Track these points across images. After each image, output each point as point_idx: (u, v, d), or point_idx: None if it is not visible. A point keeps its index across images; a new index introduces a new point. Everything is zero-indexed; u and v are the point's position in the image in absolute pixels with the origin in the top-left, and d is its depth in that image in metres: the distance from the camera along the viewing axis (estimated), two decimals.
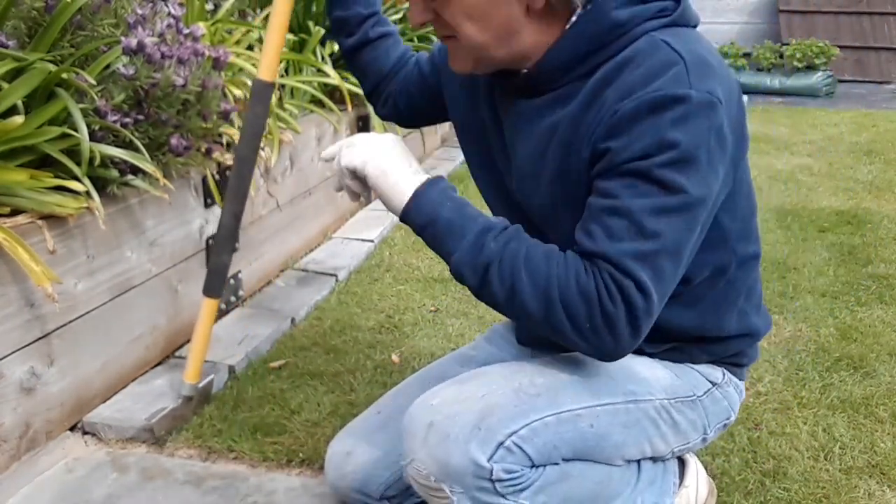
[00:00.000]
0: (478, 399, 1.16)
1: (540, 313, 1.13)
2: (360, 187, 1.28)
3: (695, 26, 1.25)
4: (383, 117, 1.66)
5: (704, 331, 1.34)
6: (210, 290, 1.84)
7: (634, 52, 1.15)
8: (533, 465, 1.17)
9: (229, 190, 1.78)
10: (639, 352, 1.31)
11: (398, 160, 1.23)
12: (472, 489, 1.15)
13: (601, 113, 1.15)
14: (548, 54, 1.20)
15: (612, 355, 1.15)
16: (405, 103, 1.58)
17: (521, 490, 1.16)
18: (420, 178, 1.22)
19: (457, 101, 1.43)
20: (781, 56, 7.31)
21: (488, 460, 1.13)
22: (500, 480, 1.14)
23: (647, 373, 1.31)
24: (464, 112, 1.41)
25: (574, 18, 1.18)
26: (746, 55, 7.52)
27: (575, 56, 1.19)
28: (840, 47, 7.39)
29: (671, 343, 1.34)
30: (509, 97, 1.29)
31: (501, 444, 1.14)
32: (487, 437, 1.14)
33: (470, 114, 1.40)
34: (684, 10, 1.22)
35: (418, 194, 1.20)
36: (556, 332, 1.14)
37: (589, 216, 1.15)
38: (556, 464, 1.19)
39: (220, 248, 1.82)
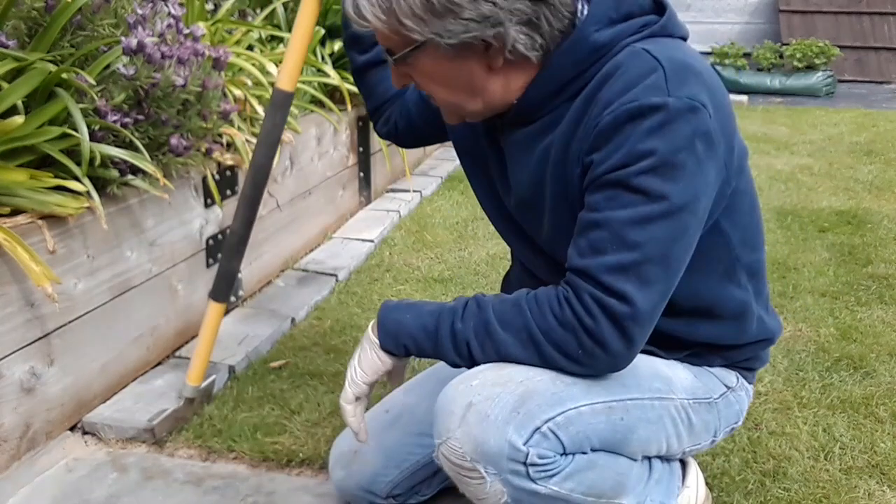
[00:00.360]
0: (517, 383, 1.16)
1: (535, 359, 1.17)
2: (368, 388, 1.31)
3: (683, 38, 1.24)
4: (383, 136, 1.67)
5: (725, 339, 1.35)
6: (217, 294, 1.84)
7: (615, 65, 1.16)
8: (564, 453, 1.18)
9: (242, 197, 1.77)
10: (657, 356, 1.33)
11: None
12: (506, 471, 1.15)
13: (587, 128, 1.16)
14: (531, 86, 1.21)
15: (613, 369, 1.18)
16: (404, 124, 1.59)
17: (552, 476, 1.17)
18: (370, 325, 1.30)
19: (455, 127, 1.44)
20: (781, 56, 7.31)
21: (524, 444, 1.14)
22: (534, 465, 1.15)
23: (669, 372, 1.32)
24: (462, 139, 1.42)
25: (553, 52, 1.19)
26: (746, 55, 7.52)
27: (559, 84, 1.20)
28: (840, 47, 7.39)
29: (690, 350, 1.35)
30: (504, 127, 1.30)
31: (538, 429, 1.15)
32: (525, 421, 1.14)
33: (468, 141, 1.41)
34: (668, 21, 1.21)
35: (379, 319, 1.27)
36: (556, 368, 1.18)
37: (577, 230, 1.17)
38: (585, 453, 1.20)
39: (230, 254, 1.82)
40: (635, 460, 1.28)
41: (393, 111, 1.61)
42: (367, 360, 1.28)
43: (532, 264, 1.40)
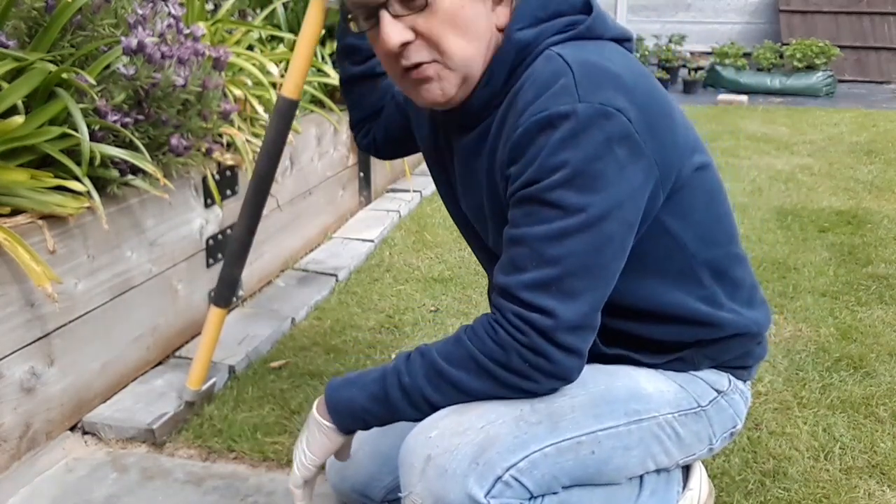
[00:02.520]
0: (477, 430, 1.14)
1: (492, 386, 1.15)
2: (315, 470, 1.30)
3: (619, 40, 1.21)
4: (363, 148, 1.66)
5: (697, 336, 1.31)
6: (219, 300, 1.84)
7: (532, 71, 1.14)
8: (532, 497, 1.16)
9: (245, 204, 1.77)
10: (642, 364, 1.31)
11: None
12: None
13: (506, 138, 1.14)
14: (480, 88, 1.19)
15: (565, 377, 1.16)
16: (382, 135, 1.58)
17: None
18: (313, 406, 1.28)
19: (421, 131, 1.43)
20: (781, 56, 7.32)
21: (486, 496, 1.12)
22: None
23: (651, 387, 1.29)
24: (427, 143, 1.41)
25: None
26: (747, 55, 7.53)
27: (495, 86, 1.18)
28: (840, 47, 7.40)
29: (671, 355, 1.32)
30: (454, 133, 1.29)
31: (499, 478, 1.13)
32: (485, 471, 1.12)
33: (431, 145, 1.39)
34: (594, 22, 1.18)
35: (328, 403, 1.24)
36: (513, 390, 1.15)
37: (503, 245, 1.16)
38: (556, 493, 1.19)
39: (232, 261, 1.81)
40: (618, 484, 1.26)
41: (374, 124, 1.60)
42: (317, 443, 1.26)
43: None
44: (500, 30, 1.19)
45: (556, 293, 1.10)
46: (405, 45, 1.14)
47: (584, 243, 1.09)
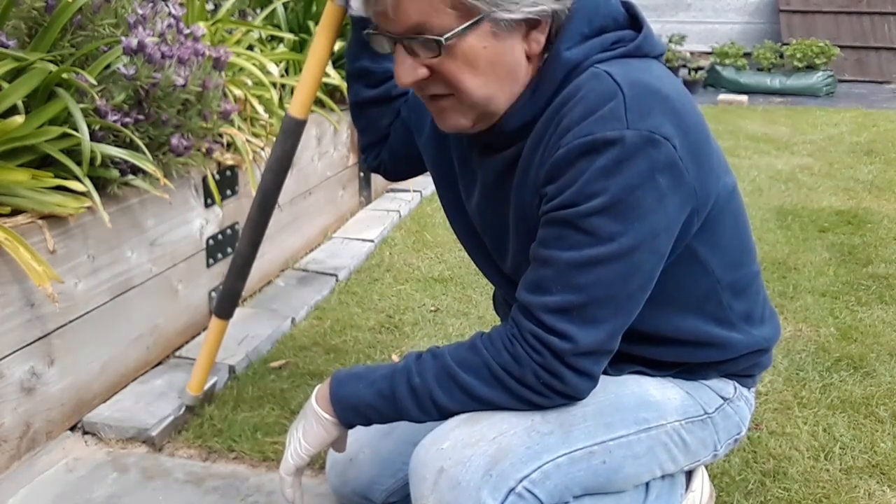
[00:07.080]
0: (489, 442, 1.14)
1: (503, 395, 1.15)
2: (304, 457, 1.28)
3: (657, 56, 1.19)
4: (372, 169, 1.63)
5: (711, 358, 1.31)
6: (221, 311, 1.84)
7: (576, 87, 1.11)
8: None
9: (249, 219, 1.76)
10: (647, 375, 1.31)
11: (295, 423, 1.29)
12: None
13: (544, 156, 1.12)
14: (516, 111, 1.16)
15: (576, 397, 1.16)
16: (389, 155, 1.57)
17: None
18: (311, 396, 1.26)
19: (428, 149, 1.41)
20: (782, 56, 7.32)
21: None
22: None
23: (658, 394, 1.28)
24: (434, 160, 1.40)
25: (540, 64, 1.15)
26: (747, 55, 7.53)
27: (541, 105, 1.15)
28: (840, 47, 7.40)
29: (678, 368, 1.31)
30: (476, 151, 1.27)
31: (512, 489, 1.12)
32: (499, 483, 1.12)
33: (440, 161, 1.38)
34: (644, 40, 1.16)
35: (333, 396, 1.23)
36: (522, 402, 1.15)
37: (530, 262, 1.15)
38: (567, 502, 1.18)
39: (236, 274, 1.81)
40: (625, 491, 1.26)
41: (383, 146, 1.58)
42: (313, 433, 1.25)
43: (504, 290, 1.37)
44: (536, 55, 1.14)
45: (578, 319, 1.09)
46: (421, 80, 1.11)
47: (612, 273, 1.08)
